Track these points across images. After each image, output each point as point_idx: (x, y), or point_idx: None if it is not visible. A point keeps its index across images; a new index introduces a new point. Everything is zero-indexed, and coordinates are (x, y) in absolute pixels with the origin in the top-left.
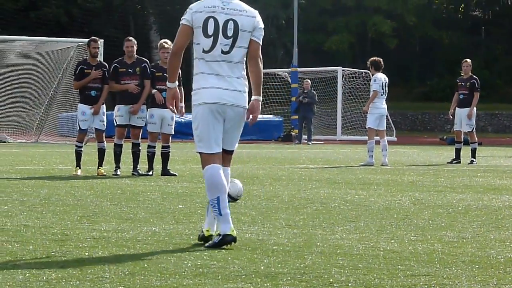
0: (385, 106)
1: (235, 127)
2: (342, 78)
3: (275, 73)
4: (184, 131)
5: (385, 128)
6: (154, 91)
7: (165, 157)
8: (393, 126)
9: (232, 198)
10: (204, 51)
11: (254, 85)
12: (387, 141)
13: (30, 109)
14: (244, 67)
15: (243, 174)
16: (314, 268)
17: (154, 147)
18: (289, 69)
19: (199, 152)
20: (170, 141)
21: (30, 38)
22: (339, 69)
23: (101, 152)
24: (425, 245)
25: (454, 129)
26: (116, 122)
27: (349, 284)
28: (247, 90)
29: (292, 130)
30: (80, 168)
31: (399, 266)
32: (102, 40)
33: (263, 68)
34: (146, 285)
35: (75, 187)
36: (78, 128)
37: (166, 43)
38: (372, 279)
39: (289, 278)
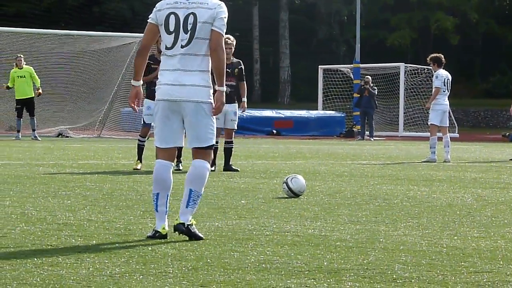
0: (447, 102)
1: (194, 122)
2: (405, 74)
3: (337, 69)
4: (246, 126)
5: (447, 125)
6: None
7: (228, 152)
8: (455, 122)
9: (295, 194)
10: (166, 48)
11: (215, 75)
12: (449, 137)
13: (93, 104)
14: (209, 60)
15: (305, 170)
16: (377, 264)
17: (217, 142)
18: (351, 65)
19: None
20: (233, 136)
21: (92, 33)
22: (402, 65)
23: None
24: (488, 242)
25: None
26: None
27: (412, 281)
28: (206, 84)
29: (354, 126)
30: (141, 162)
31: (462, 263)
32: None
33: (327, 64)
34: (209, 280)
35: (137, 182)
36: (143, 123)
37: (229, 38)
38: (435, 275)
39: (352, 274)
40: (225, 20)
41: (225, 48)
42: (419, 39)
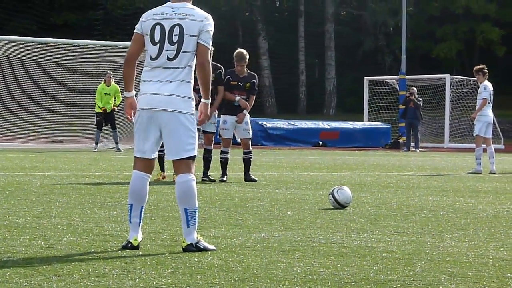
0: (492, 114)
1: (171, 132)
2: (450, 85)
3: (383, 80)
4: (291, 138)
5: (491, 136)
6: (238, 98)
7: (247, 163)
8: (501, 134)
9: (341, 205)
10: (151, 59)
11: (201, 88)
12: (495, 149)
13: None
14: (192, 71)
15: (351, 181)
16: (424, 276)
17: (227, 152)
18: (397, 76)
19: None
20: (250, 146)
21: None
22: (447, 76)
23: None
24: None
25: None
26: None
27: None
28: (186, 94)
29: (400, 137)
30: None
31: (509, 274)
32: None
33: (372, 75)
34: None
35: None
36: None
37: (242, 54)
38: (482, 287)
39: (398, 285)
40: (211, 33)
41: (237, 66)
42: (464, 51)
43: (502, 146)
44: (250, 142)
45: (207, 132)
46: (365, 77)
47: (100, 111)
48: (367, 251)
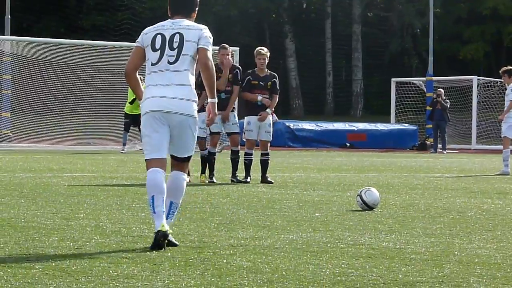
0: None
1: (180, 134)
2: (477, 87)
3: (410, 82)
4: (318, 139)
5: None
6: (260, 97)
7: (264, 164)
8: None
9: (369, 207)
10: (152, 64)
11: (207, 89)
12: None
13: None
14: (192, 74)
15: (379, 183)
16: (452, 277)
17: (251, 154)
18: (424, 78)
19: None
20: (268, 148)
21: None
22: (475, 78)
23: (205, 160)
24: None
25: None
26: (209, 130)
27: None
28: (193, 98)
29: (427, 139)
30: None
31: None
32: (238, 48)
33: (399, 77)
34: None
35: (211, 194)
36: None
37: (263, 49)
38: None
39: (427, 286)
40: (210, 40)
41: (259, 59)
42: (492, 52)
43: None
44: (268, 144)
45: (231, 133)
46: (392, 79)
47: (129, 113)
48: (396, 253)
